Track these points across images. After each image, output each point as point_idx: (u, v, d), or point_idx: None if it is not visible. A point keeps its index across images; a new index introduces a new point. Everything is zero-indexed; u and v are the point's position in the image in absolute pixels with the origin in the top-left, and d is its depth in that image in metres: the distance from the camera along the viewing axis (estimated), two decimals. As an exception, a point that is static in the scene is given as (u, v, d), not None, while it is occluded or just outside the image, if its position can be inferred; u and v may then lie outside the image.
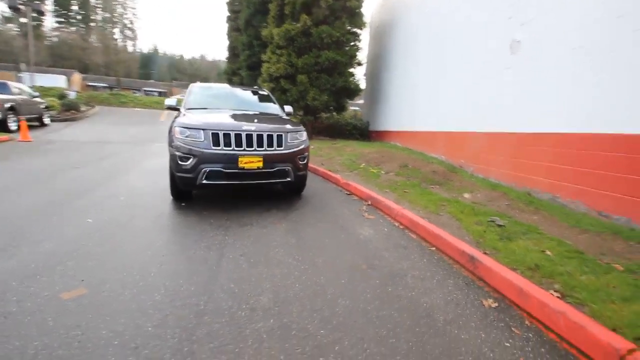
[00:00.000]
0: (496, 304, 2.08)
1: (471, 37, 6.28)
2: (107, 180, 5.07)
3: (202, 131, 3.79)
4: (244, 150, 3.82)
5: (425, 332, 1.78)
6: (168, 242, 2.91)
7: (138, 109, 24.79)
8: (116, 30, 56.70)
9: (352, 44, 12.36)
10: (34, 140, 9.04)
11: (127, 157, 7.44)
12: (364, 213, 4.09)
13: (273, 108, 5.44)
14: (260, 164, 3.88)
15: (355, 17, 12.00)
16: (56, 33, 52.89)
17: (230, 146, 3.78)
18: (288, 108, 5.64)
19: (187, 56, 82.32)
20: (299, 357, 1.55)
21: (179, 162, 3.77)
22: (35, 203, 3.77)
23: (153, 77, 58.39)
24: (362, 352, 1.59)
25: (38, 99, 12.45)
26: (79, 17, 54.80)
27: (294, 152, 4.16)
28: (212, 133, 3.78)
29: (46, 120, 12.78)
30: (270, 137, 3.98)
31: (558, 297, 2.03)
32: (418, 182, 5.75)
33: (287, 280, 2.28)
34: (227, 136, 3.79)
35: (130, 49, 59.68)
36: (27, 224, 3.12)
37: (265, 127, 4.03)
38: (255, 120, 4.27)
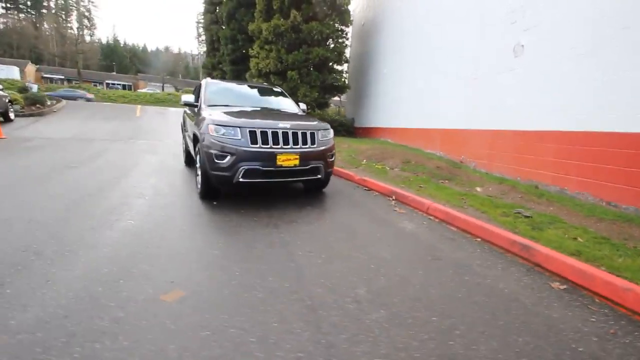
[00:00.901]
0: (564, 286, 2.31)
1: (473, 39, 6.62)
2: (116, 180, 4.83)
3: (238, 129, 3.75)
4: (281, 147, 3.83)
5: (521, 313, 1.96)
6: (227, 242, 2.88)
7: (107, 104, 23.36)
8: (72, 19, 52.68)
9: (339, 41, 12.49)
10: (8, 137, 8.32)
11: (120, 155, 7.08)
12: (394, 208, 4.25)
13: (290, 105, 5.44)
14: (297, 162, 3.91)
15: (343, 15, 12.12)
16: (2, 20, 48.22)
17: (267, 144, 3.78)
18: (302, 105, 5.67)
19: (150, 47, 78.28)
20: (429, 341, 1.66)
21: (215, 160, 3.71)
22: (56, 205, 3.55)
23: (115, 69, 54.94)
24: (481, 334, 1.74)
25: (1, 92, 11.41)
26: (29, 3, 50.29)
27: (325, 149, 4.22)
28: (249, 131, 3.75)
29: (11, 115, 11.74)
30: (304, 134, 4.02)
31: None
32: (428, 178, 6.02)
33: (369, 274, 2.37)
34: (264, 134, 3.78)
35: (87, 38, 55.73)
36: (63, 228, 2.95)
37: (299, 125, 4.05)
38: (286, 118, 4.28)
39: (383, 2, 11.61)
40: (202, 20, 32.68)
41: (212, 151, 3.72)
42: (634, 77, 3.78)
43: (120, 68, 56.63)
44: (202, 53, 35.57)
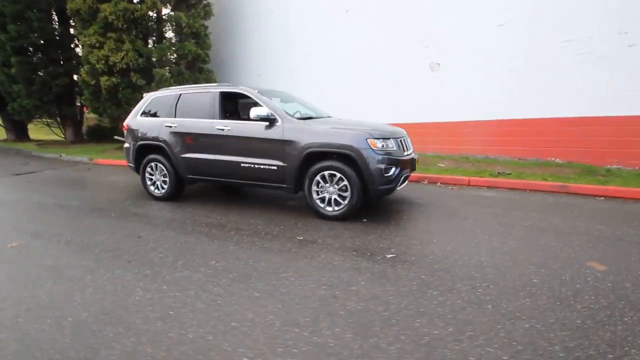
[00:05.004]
0: (602, 199, 4.58)
1: (388, 58, 8.49)
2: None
3: (391, 139, 3.85)
4: (411, 153, 4.25)
5: (616, 211, 3.98)
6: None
7: None
8: None
9: (205, 37, 11.34)
10: None
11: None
12: (447, 188, 5.54)
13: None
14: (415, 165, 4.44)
15: (206, 9, 11.07)
16: None
17: (406, 151, 4.10)
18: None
19: None
20: (602, 225, 3.32)
21: (384, 174, 3.71)
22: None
23: None
24: (602, 223, 3.57)
25: None
26: None
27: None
28: (398, 140, 3.94)
29: None
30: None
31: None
32: (395, 164, 7.54)
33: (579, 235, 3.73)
34: (402, 142, 4.07)
35: None
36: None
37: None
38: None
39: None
40: None
41: (382, 165, 3.66)
42: (518, 90, 6.87)
43: None
44: None
